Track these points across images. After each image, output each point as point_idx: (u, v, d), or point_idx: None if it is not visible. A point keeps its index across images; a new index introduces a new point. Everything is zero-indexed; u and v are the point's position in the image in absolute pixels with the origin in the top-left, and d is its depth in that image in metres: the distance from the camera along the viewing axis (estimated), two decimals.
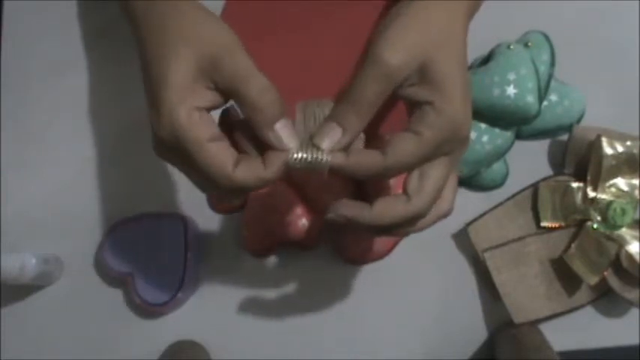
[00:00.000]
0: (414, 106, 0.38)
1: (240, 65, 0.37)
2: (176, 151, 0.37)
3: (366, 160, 0.37)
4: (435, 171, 0.38)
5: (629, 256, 0.51)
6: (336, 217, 0.39)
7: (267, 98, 0.37)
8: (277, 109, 0.37)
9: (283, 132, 0.37)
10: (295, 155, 0.37)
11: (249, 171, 0.37)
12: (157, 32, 0.39)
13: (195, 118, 0.37)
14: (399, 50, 0.37)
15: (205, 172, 0.37)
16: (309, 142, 0.38)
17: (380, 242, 0.55)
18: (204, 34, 0.38)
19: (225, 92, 0.38)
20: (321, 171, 0.37)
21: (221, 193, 0.39)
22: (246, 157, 0.38)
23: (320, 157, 0.37)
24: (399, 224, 0.39)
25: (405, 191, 0.39)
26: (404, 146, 0.37)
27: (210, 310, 0.56)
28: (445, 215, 0.41)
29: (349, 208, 0.39)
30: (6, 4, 0.65)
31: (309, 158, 0.37)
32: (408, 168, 0.38)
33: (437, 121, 0.37)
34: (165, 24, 0.39)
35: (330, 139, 0.37)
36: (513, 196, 0.55)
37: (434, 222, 0.41)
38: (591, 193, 0.53)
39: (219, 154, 0.37)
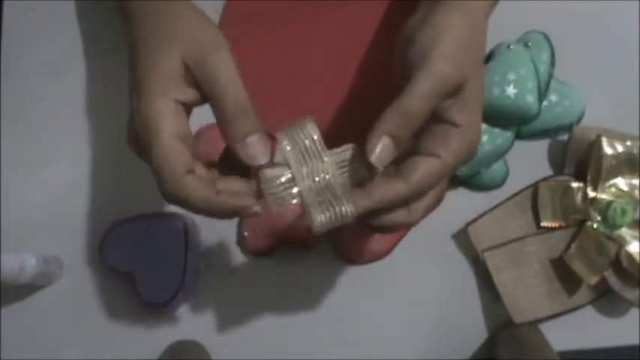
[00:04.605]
0: (437, 121, 0.38)
1: (223, 69, 0.37)
2: (140, 141, 0.37)
3: (389, 193, 0.37)
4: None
5: (629, 256, 0.51)
6: None
7: (239, 110, 0.36)
8: (250, 123, 0.37)
9: (255, 148, 0.36)
10: (319, 218, 0.36)
11: (200, 183, 0.36)
12: (150, 29, 0.39)
13: (171, 108, 0.36)
14: (456, 65, 0.36)
15: (156, 166, 0.36)
16: (324, 192, 0.37)
17: (379, 242, 0.55)
18: (195, 34, 0.38)
19: (205, 93, 0.37)
20: (348, 222, 0.37)
21: (166, 198, 0.38)
22: (207, 173, 0.38)
23: (344, 210, 0.36)
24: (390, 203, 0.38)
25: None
26: (426, 171, 0.37)
27: (210, 310, 0.56)
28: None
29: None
30: (6, 4, 0.65)
31: (334, 217, 0.36)
32: (428, 190, 0.38)
33: (460, 147, 0.37)
34: (159, 22, 0.39)
35: (382, 153, 0.36)
36: (513, 196, 0.55)
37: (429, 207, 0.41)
38: (591, 193, 0.53)
39: (176, 153, 0.36)
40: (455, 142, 0.37)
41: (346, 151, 0.38)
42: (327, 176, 0.37)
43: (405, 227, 0.40)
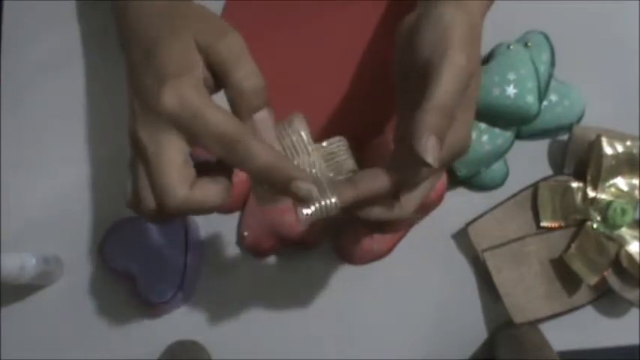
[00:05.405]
0: None
1: (236, 47, 0.37)
2: (178, 120, 0.35)
3: (375, 183, 0.37)
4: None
5: (629, 256, 0.51)
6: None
7: (251, 84, 0.37)
8: (259, 98, 0.37)
9: (262, 123, 0.37)
10: (305, 211, 0.36)
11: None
12: (157, 17, 0.39)
13: (200, 85, 0.36)
14: (469, 58, 0.37)
15: (221, 130, 0.35)
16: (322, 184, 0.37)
17: (380, 242, 0.55)
18: (205, 15, 0.39)
19: (216, 72, 0.37)
20: (333, 214, 0.37)
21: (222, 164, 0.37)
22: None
23: (329, 202, 0.36)
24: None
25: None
26: (414, 167, 0.37)
27: (210, 310, 0.56)
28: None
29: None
30: (6, 4, 0.65)
31: (318, 210, 0.36)
32: (418, 183, 0.38)
33: (452, 142, 0.37)
34: (166, 10, 0.39)
35: (435, 151, 0.35)
36: (513, 196, 0.55)
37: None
38: (591, 193, 0.52)
39: (228, 118, 0.36)
40: (448, 137, 0.37)
41: (333, 144, 0.39)
42: (313, 170, 0.38)
43: (398, 222, 0.40)
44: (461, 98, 0.37)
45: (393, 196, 0.38)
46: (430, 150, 0.35)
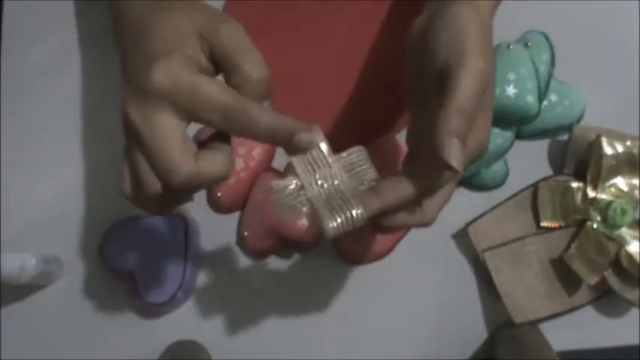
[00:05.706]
0: None
1: (239, 36, 0.37)
2: (172, 97, 0.35)
3: (398, 191, 0.37)
4: None
5: (629, 256, 0.51)
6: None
7: (259, 73, 0.37)
8: (265, 87, 0.37)
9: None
10: (331, 224, 0.36)
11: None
12: (151, 7, 0.39)
13: (190, 61, 0.36)
14: (487, 60, 0.37)
15: (218, 100, 0.35)
16: (334, 197, 0.37)
17: (380, 242, 0.55)
18: (203, 6, 0.39)
19: (219, 60, 0.37)
20: (360, 225, 0.37)
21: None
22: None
23: (355, 214, 0.36)
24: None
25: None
26: (437, 171, 0.37)
27: (210, 310, 0.56)
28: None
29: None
30: (6, 4, 0.65)
31: (345, 222, 0.36)
32: (438, 188, 0.38)
33: (472, 146, 0.37)
34: (162, 2, 0.39)
35: (460, 155, 0.35)
36: (513, 196, 0.55)
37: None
38: (591, 193, 0.52)
39: (219, 88, 0.35)
40: (469, 140, 0.37)
41: (353, 154, 0.38)
42: (335, 181, 0.37)
43: (421, 227, 0.40)
44: (480, 101, 0.36)
45: (414, 201, 0.38)
46: (454, 154, 0.35)
